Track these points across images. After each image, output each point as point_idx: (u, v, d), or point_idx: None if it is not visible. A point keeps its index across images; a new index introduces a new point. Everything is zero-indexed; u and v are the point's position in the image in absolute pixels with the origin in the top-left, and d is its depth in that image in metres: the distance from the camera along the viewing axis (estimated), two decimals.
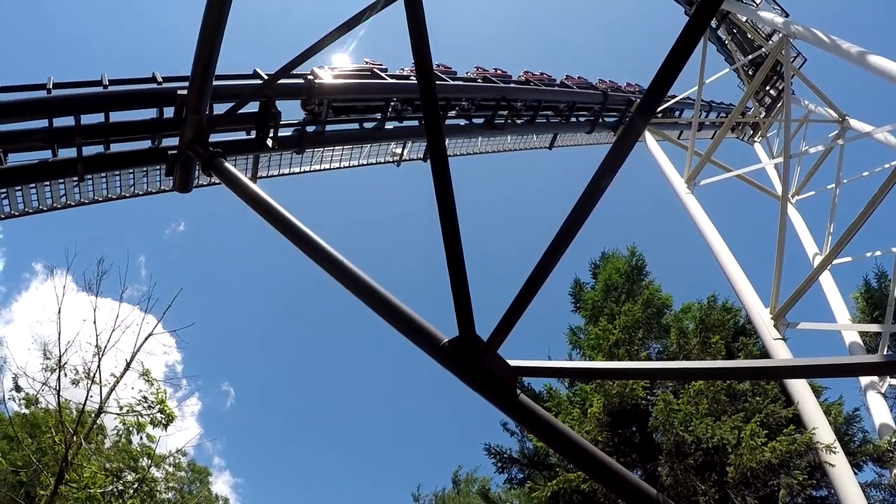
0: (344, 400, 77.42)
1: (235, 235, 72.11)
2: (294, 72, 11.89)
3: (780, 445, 14.40)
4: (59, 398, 23.78)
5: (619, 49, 69.19)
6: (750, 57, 27.94)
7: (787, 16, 24.63)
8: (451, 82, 18.85)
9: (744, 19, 27.70)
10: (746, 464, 14.46)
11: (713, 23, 28.70)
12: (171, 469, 30.46)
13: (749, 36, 28.62)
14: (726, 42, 30.53)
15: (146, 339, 25.18)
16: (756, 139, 33.41)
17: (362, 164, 17.87)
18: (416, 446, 72.17)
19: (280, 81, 12.82)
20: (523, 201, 73.82)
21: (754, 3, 25.85)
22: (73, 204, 12.98)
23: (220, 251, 77.05)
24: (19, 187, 11.82)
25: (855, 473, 15.87)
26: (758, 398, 16.52)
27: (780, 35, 23.59)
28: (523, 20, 72.76)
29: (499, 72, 22.20)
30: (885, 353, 19.96)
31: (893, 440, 17.22)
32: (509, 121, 20.55)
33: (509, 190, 73.04)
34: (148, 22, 67.82)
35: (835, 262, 22.05)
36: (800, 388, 16.16)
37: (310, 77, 14.79)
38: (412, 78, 18.29)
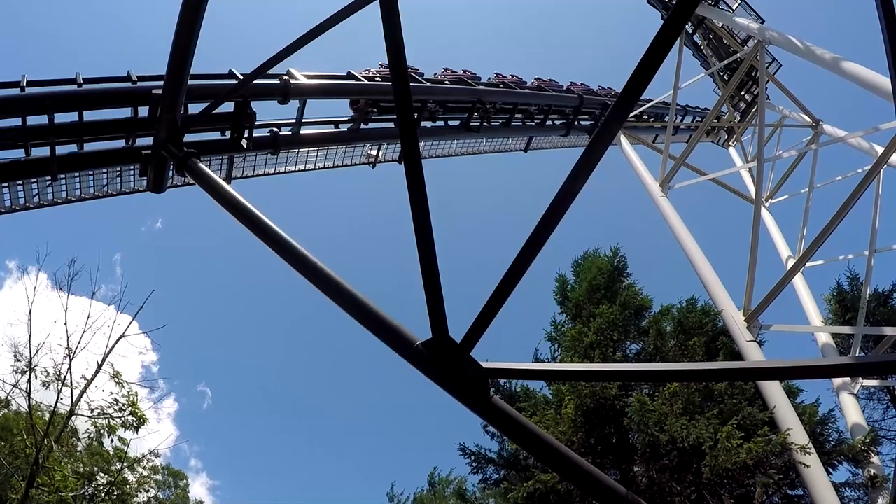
0: (322, 400, 77.17)
1: (213, 234, 71.73)
2: (270, 72, 11.82)
3: (755, 446, 14.52)
4: (29, 400, 23.54)
5: (596, 52, 69.59)
6: (725, 62, 28.19)
7: (762, 22, 24.89)
8: (427, 84, 18.88)
9: (719, 24, 27.97)
10: (722, 465, 14.57)
11: (689, 27, 28.96)
12: (145, 472, 30.16)
13: (724, 41, 28.91)
14: (702, 47, 30.83)
15: (117, 340, 24.95)
16: (731, 143, 33.74)
17: (337, 166, 17.81)
18: (395, 446, 72.04)
19: (255, 82, 12.72)
20: (498, 203, 73.98)
21: (730, 8, 26.11)
22: (45, 203, 12.80)
23: (198, 249, 76.61)
24: None
25: (830, 473, 16.07)
26: (734, 399, 16.65)
27: (755, 41, 23.84)
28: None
29: (514, 78, 23.08)
30: (857, 354, 20.24)
31: (867, 440, 17.44)
32: (485, 123, 20.59)
33: (484, 191, 73.15)
34: (122, 19, 67.20)
35: (808, 264, 22.32)
36: (773, 390, 16.31)
37: (285, 78, 14.74)
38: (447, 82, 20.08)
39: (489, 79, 22.06)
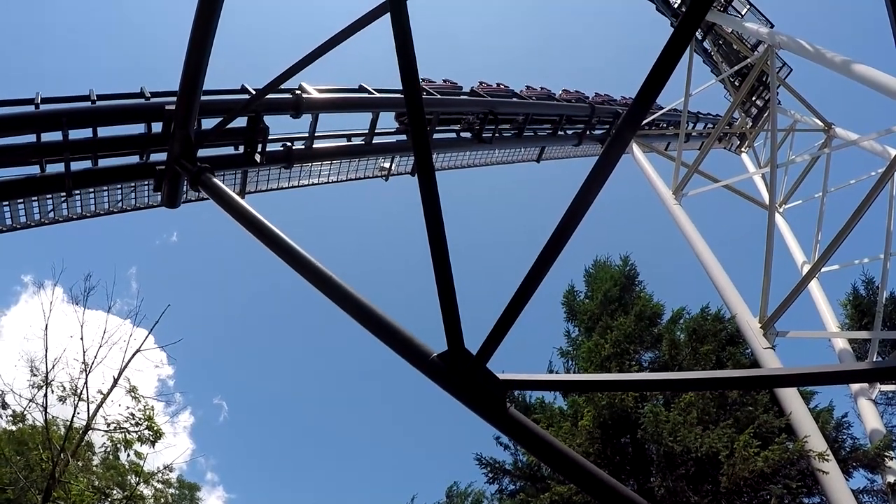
0: (340, 412, 77.12)
1: (229, 247, 72.00)
2: (282, 87, 11.87)
3: (772, 454, 14.42)
4: (45, 415, 23.67)
5: (608, 61, 69.63)
6: (736, 68, 28.11)
7: (772, 26, 24.83)
8: (438, 96, 18.94)
9: (729, 30, 27.94)
10: (739, 473, 14.47)
11: (699, 34, 28.90)
12: (160, 486, 30.21)
13: (735, 47, 28.86)
14: (712, 53, 30.77)
15: (133, 355, 25.06)
16: (743, 149, 33.63)
17: (351, 179, 17.86)
18: (413, 458, 71.87)
19: (268, 96, 12.78)
20: (512, 213, 73.98)
21: (739, 14, 26.07)
22: (60, 219, 12.89)
23: (213, 263, 76.84)
24: (7, 203, 11.75)
25: (847, 480, 15.91)
26: (749, 407, 16.55)
27: (766, 45, 23.77)
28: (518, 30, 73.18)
29: (544, 90, 23.85)
30: (874, 359, 20.08)
31: (883, 445, 17.27)
32: (497, 134, 20.66)
33: (498, 202, 73.17)
34: (136, 33, 67.76)
35: (823, 270, 22.17)
36: (790, 397, 16.20)
37: (297, 92, 14.81)
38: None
39: (520, 91, 22.67)
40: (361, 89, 16.86)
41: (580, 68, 68.14)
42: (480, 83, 21.70)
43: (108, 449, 27.38)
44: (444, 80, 20.45)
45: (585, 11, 72.52)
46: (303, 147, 15.71)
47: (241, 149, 14.10)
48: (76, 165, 12.10)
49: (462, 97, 19.87)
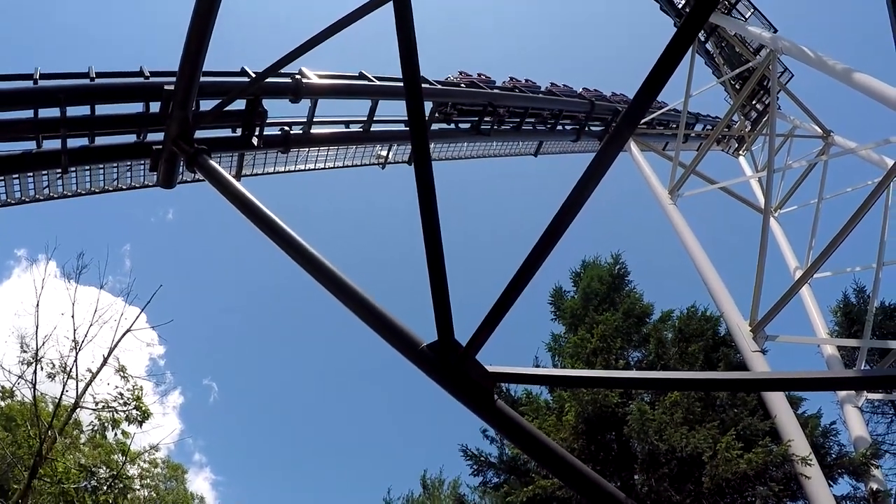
0: (330, 397, 77.16)
1: (224, 227, 71.71)
2: (282, 71, 11.85)
3: (755, 457, 14.47)
4: (34, 392, 23.63)
5: (608, 58, 69.57)
6: (737, 71, 28.11)
7: (775, 31, 24.83)
8: (438, 86, 18.92)
9: (732, 33, 27.88)
10: (722, 474, 14.52)
11: (701, 36, 28.87)
12: (146, 465, 30.25)
13: (737, 50, 28.80)
14: (714, 55, 30.71)
15: (124, 335, 25.03)
16: (741, 152, 33.63)
17: (347, 166, 17.85)
18: (399, 448, 71.94)
19: (267, 80, 12.75)
20: (507, 206, 73.94)
21: (743, 17, 26.04)
22: (55, 196, 12.87)
23: (209, 242, 76.63)
24: (2, 177, 11.72)
25: (831, 486, 15.99)
26: (735, 409, 16.60)
27: (768, 50, 23.79)
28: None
29: (566, 87, 24.68)
30: (862, 367, 20.14)
31: (869, 453, 17.37)
32: (495, 126, 20.67)
33: (493, 194, 73.14)
34: (138, 15, 67.47)
35: (815, 276, 22.20)
36: (777, 401, 16.25)
37: (297, 77, 14.77)
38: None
39: (544, 87, 23.49)
40: (362, 76, 16.81)
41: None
42: (511, 78, 22.37)
43: (96, 427, 27.36)
44: (479, 74, 21.08)
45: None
46: (300, 132, 15.68)
47: (239, 131, 14.07)
48: (73, 142, 12.08)
49: (461, 88, 19.83)
